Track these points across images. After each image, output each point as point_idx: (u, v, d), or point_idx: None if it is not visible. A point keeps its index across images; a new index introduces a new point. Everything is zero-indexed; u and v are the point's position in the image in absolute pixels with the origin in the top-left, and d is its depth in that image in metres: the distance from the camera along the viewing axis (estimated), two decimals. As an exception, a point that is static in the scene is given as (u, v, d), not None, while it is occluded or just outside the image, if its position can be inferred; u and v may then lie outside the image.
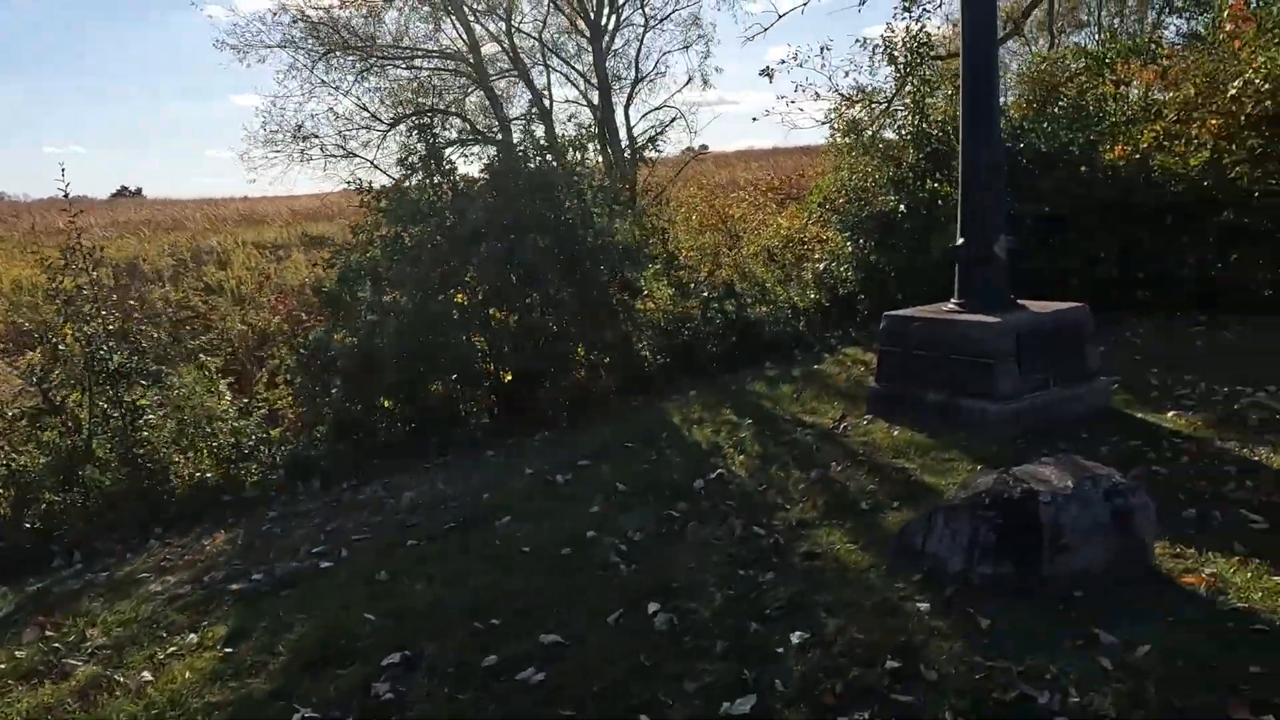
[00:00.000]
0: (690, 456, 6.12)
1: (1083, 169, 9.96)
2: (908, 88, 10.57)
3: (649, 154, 11.64)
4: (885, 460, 5.78)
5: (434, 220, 8.06)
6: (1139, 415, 6.44)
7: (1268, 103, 9.11)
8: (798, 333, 10.21)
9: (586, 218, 7.75)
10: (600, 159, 9.38)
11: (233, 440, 6.89)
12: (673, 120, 14.94)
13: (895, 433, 6.36)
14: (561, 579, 4.22)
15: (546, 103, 15.16)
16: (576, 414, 8.37)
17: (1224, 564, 4.10)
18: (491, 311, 8.28)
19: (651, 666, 3.39)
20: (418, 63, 14.50)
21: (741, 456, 6.08)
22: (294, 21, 13.46)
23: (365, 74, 13.81)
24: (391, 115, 11.09)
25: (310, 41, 13.41)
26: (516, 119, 15.52)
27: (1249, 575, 3.98)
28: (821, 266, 11.14)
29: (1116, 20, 24.49)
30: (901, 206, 10.43)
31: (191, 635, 4.13)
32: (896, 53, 10.70)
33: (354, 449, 7.13)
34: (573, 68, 14.98)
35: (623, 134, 13.74)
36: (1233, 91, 9.46)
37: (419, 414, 7.74)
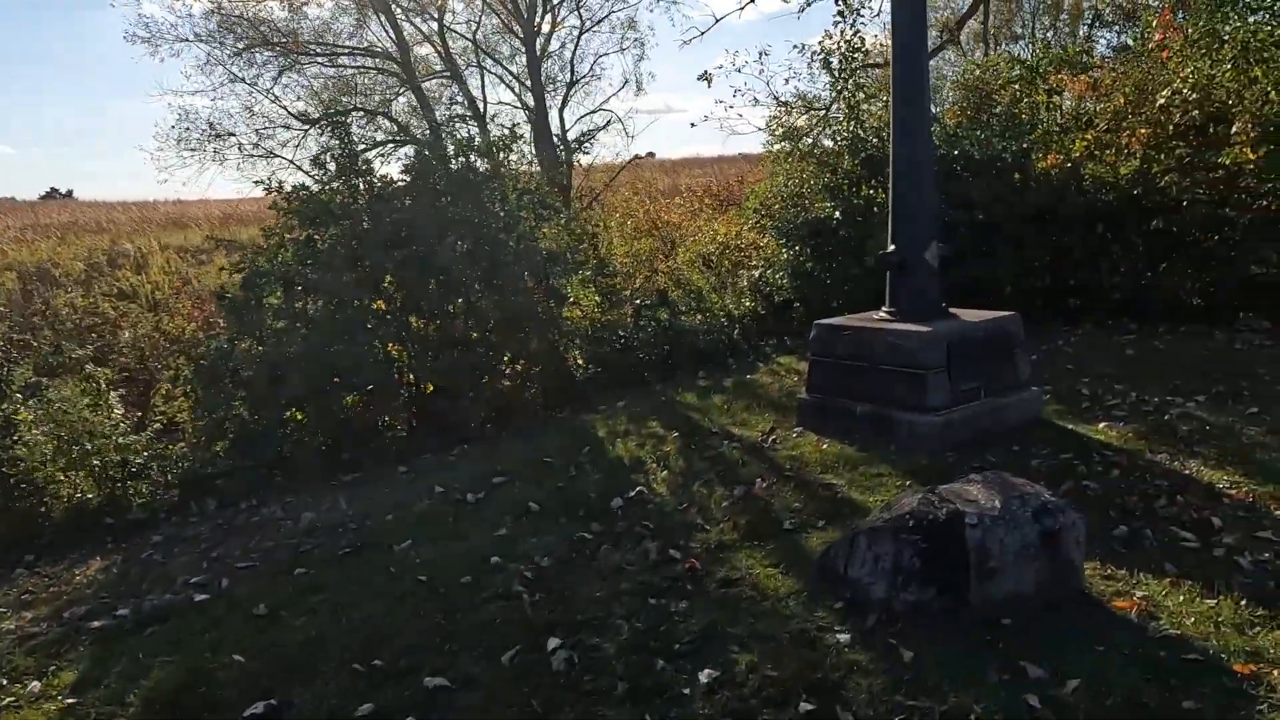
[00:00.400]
0: (611, 473, 5.81)
1: (1016, 176, 9.91)
2: (843, 93, 10.44)
3: (582, 158, 11.33)
4: (812, 476, 5.53)
5: (348, 222, 7.64)
6: (1070, 426, 6.31)
7: (1195, 112, 9.14)
8: (732, 341, 9.98)
9: (509, 221, 7.40)
10: (530, 163, 9.00)
11: (119, 458, 6.38)
12: (607, 124, 14.72)
13: (824, 446, 6.13)
14: (458, 611, 3.87)
15: (481, 106, 14.80)
16: (500, 426, 8.02)
17: (1156, 586, 3.91)
18: (412, 319, 7.88)
19: (544, 714, 3.06)
20: (343, 61, 14.02)
21: (664, 472, 5.79)
22: (209, 14, 12.85)
23: (286, 71, 13.28)
24: (313, 114, 10.56)
25: (227, 36, 12.87)
26: (454, 120, 15.10)
27: (1181, 599, 3.80)
28: (757, 274, 10.94)
29: (1050, 34, 24.91)
30: (837, 213, 10.28)
31: (35, 683, 3.69)
32: (832, 59, 10.56)
33: (256, 466, 6.68)
34: (507, 70, 14.69)
35: (557, 138, 13.45)
36: (1161, 101, 9.48)
37: (330, 428, 7.31)
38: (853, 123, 10.52)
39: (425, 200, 7.55)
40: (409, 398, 7.91)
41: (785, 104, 12.01)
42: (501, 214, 7.57)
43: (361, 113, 13.98)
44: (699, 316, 10.49)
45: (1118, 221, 9.66)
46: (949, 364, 6.04)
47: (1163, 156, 9.47)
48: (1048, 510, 3.87)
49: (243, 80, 13.54)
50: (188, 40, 13.54)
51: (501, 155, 8.00)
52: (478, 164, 7.77)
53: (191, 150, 13.54)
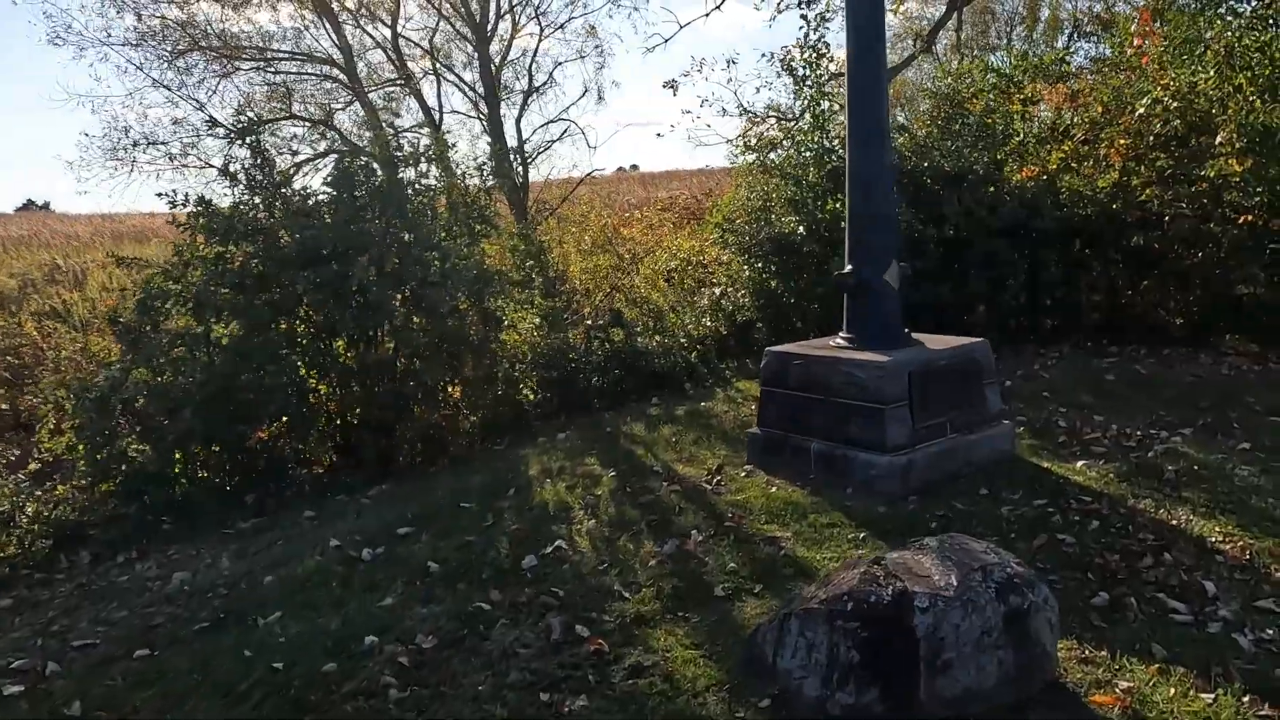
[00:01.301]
0: (531, 522, 5.16)
1: (989, 189, 9.36)
2: (807, 100, 9.87)
3: (543, 169, 10.70)
4: (755, 527, 4.90)
5: (261, 239, 6.98)
6: (1046, 465, 5.72)
7: (1176, 122, 8.63)
8: (690, 365, 9.35)
9: (435, 237, 6.75)
10: (484, 174, 8.34)
11: (-21, 504, 5.68)
12: (563, 133, 14.08)
13: (773, 489, 5.50)
14: (306, 714, 3.21)
15: (437, 115, 14.16)
16: (431, 460, 7.36)
17: (1141, 674, 3.30)
18: (337, 344, 7.21)
19: None
20: (284, 67, 13.28)
21: (591, 522, 5.14)
22: (141, 16, 12.16)
23: (222, 78, 12.57)
24: (242, 122, 9.85)
25: (160, 41, 12.13)
26: (407, 130, 14.45)
27: (1171, 692, 3.18)
28: (718, 292, 10.33)
29: (1026, 45, 24.56)
30: (800, 228, 9.69)
31: None
32: (796, 66, 10.00)
33: (143, 511, 5.98)
34: (461, 78, 14.07)
35: (513, 149, 12.78)
36: (1140, 110, 8.97)
37: (237, 466, 6.63)
38: (818, 133, 9.95)
39: (345, 215, 6.89)
40: (330, 431, 7.23)
41: (749, 113, 11.44)
42: (424, 229, 6.91)
43: (307, 123, 13.29)
44: (657, 338, 9.86)
45: (1096, 237, 9.14)
46: (911, 397, 5.44)
47: (1143, 169, 8.96)
48: (1014, 586, 3.25)
49: (165, 87, 12.84)
50: (113, 45, 12.78)
51: (427, 166, 7.37)
52: (404, 175, 7.12)
53: (118, 158, 12.74)
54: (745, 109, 11.29)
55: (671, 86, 13.73)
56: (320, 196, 7.22)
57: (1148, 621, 3.68)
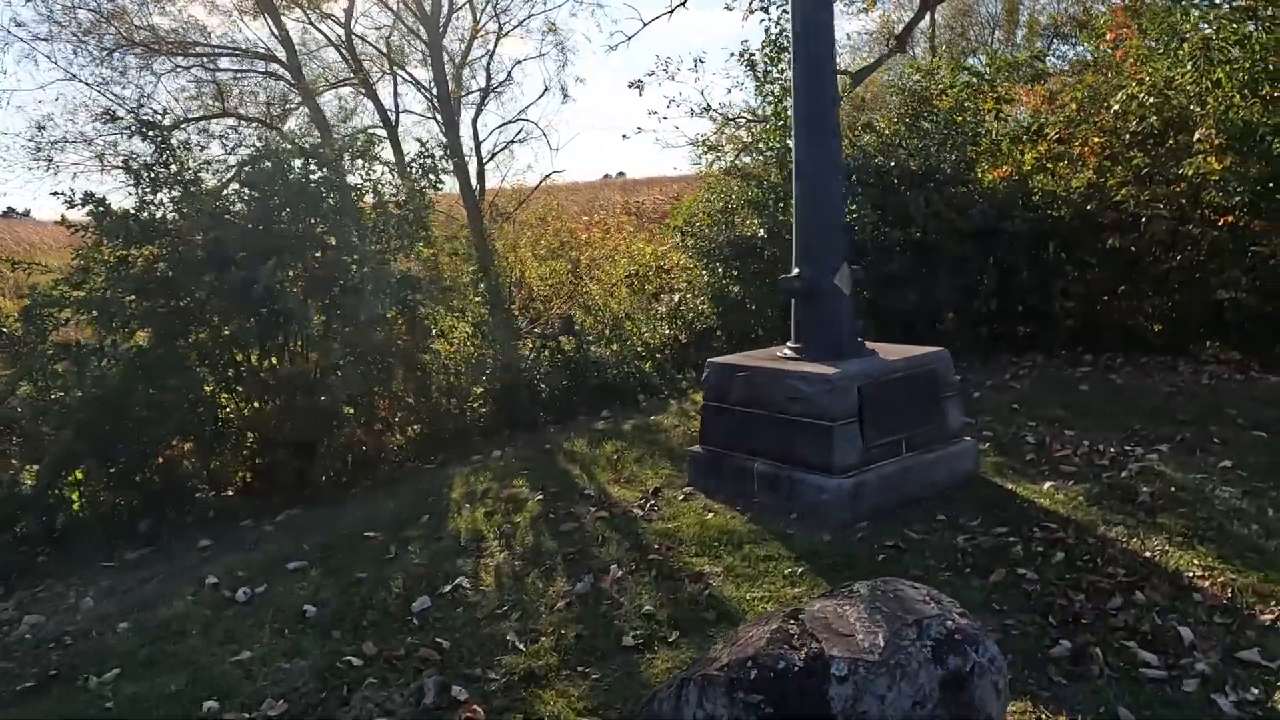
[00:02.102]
0: (436, 555, 4.63)
1: (961, 190, 8.90)
2: (769, 97, 9.39)
3: (503, 170, 10.18)
4: (683, 560, 4.38)
5: (167, 241, 6.43)
6: (1010, 486, 5.22)
7: (1153, 118, 8.18)
8: (644, 375, 8.84)
9: (354, 240, 6.20)
10: (433, 177, 7.78)
11: None
12: (517, 133, 13.52)
13: (710, 516, 4.98)
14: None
15: (393, 116, 13.60)
16: (355, 480, 6.80)
17: (1106, 747, 2.79)
18: (251, 357, 6.66)
19: None
20: (225, 64, 12.71)
21: (503, 554, 4.61)
22: (69, 10, 11.54)
23: (144, 69, 11.92)
24: (148, 116, 9.12)
25: (90, 38, 11.50)
26: (362, 131, 13.86)
27: (1141, 771, 2.68)
28: (676, 298, 9.83)
29: (1005, 48, 24.24)
30: (762, 231, 9.21)
31: None
32: (757, 60, 9.52)
33: (16, 541, 5.42)
34: (417, 79, 13.50)
35: (469, 150, 12.27)
36: (1116, 107, 8.52)
37: (134, 489, 6.06)
38: (781, 132, 9.47)
39: (256, 215, 6.35)
40: (245, 450, 6.68)
41: (716, 113, 10.95)
42: (350, 231, 6.37)
43: (248, 122, 12.67)
44: (614, 346, 9.35)
45: (1070, 240, 8.69)
46: (861, 413, 4.93)
47: (1119, 168, 8.50)
48: (954, 643, 2.74)
49: (82, 81, 12.19)
50: (36, 40, 12.12)
51: (356, 162, 6.83)
52: (317, 174, 6.56)
53: (37, 159, 12.04)
54: (711, 109, 10.76)
55: (637, 87, 13.23)
56: (230, 195, 6.66)
57: (1115, 677, 3.17)
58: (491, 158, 12.27)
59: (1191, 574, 3.93)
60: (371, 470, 6.92)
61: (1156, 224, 7.87)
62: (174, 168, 6.48)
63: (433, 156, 7.29)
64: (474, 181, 11.79)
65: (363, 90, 13.55)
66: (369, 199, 7.19)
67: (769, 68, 9.45)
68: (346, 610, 3.95)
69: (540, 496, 5.55)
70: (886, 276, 8.98)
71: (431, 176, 7.23)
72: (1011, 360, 8.59)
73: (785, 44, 9.47)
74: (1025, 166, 9.13)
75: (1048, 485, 5.15)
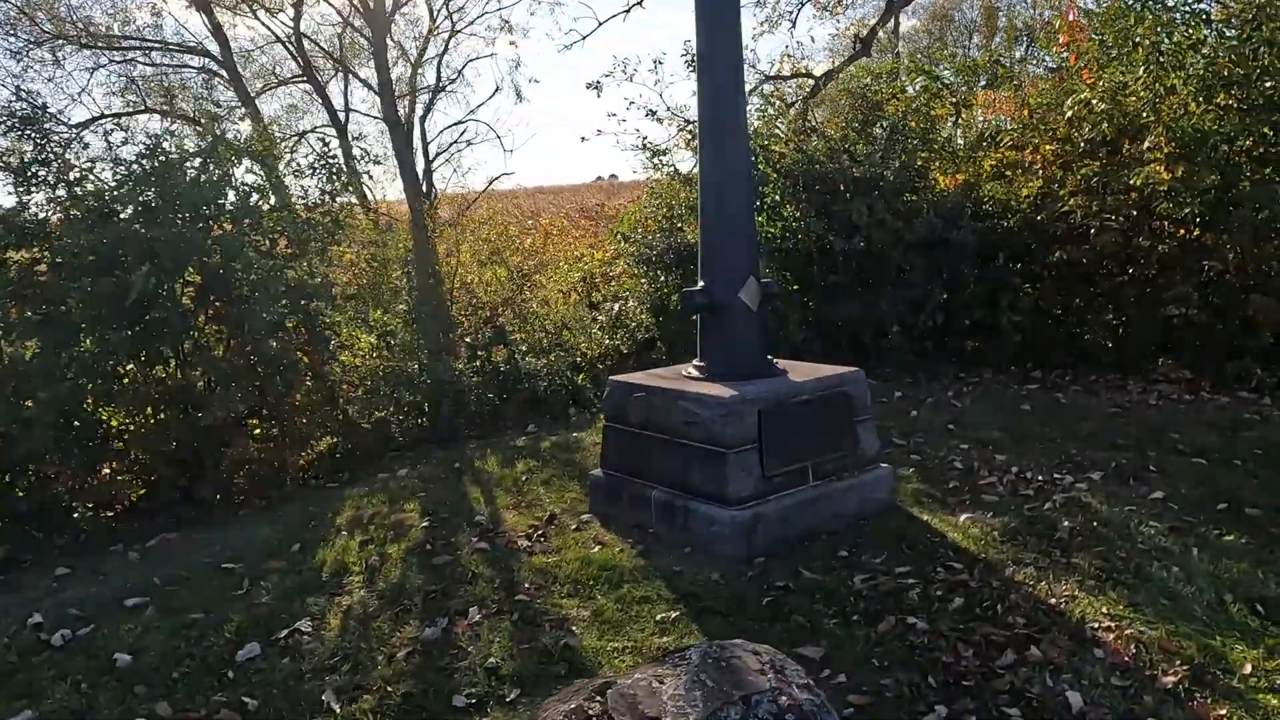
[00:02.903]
0: (288, 593, 4.25)
1: (912, 197, 8.55)
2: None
3: (456, 174, 9.77)
4: (552, 602, 4.01)
5: (45, 244, 6.03)
6: (926, 518, 4.87)
7: (1105, 125, 7.85)
8: (577, 388, 8.47)
9: (237, 243, 5.79)
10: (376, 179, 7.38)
11: None
12: (461, 133, 13.14)
13: (597, 549, 4.61)
14: None
15: (343, 116, 13.19)
16: (249, 501, 6.40)
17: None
18: (135, 369, 6.25)
19: None
20: (157, 59, 12.23)
21: (362, 592, 4.23)
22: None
23: (60, 65, 11.45)
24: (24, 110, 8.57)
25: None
26: (312, 131, 13.46)
27: None
28: (616, 307, 9.45)
29: (983, 53, 23.96)
30: (646, 248, 8.85)
31: None
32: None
33: None
34: (361, 77, 13.08)
35: (419, 149, 11.84)
36: (1069, 113, 8.20)
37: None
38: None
39: (138, 216, 5.95)
40: (133, 468, 6.27)
41: (653, 113, 10.53)
42: (237, 236, 5.96)
43: (178, 121, 12.21)
44: (549, 357, 8.97)
45: (1020, 252, 8.35)
46: (761, 439, 4.57)
47: (1070, 177, 8.18)
48: (784, 724, 2.38)
49: None
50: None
51: (252, 162, 6.42)
52: (213, 172, 6.16)
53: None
54: (656, 112, 10.37)
55: (595, 88, 12.86)
56: (122, 194, 6.26)
57: (992, 755, 2.81)
58: (437, 157, 11.90)
59: (1097, 624, 3.57)
60: (274, 488, 6.53)
61: (1106, 236, 7.54)
62: (56, 165, 6.07)
63: (337, 158, 6.90)
64: (421, 183, 11.42)
65: (313, 89, 13.13)
66: (274, 201, 6.80)
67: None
68: (164, 659, 3.57)
69: (426, 523, 5.18)
70: (830, 287, 8.64)
71: (338, 181, 6.83)
72: (959, 376, 8.26)
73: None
74: (981, 174, 8.81)
75: (964, 517, 4.80)
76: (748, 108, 9.04)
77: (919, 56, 17.67)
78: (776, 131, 9.27)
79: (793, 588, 4.05)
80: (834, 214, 8.54)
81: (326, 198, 6.91)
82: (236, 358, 6.03)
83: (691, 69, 8.92)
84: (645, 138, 9.74)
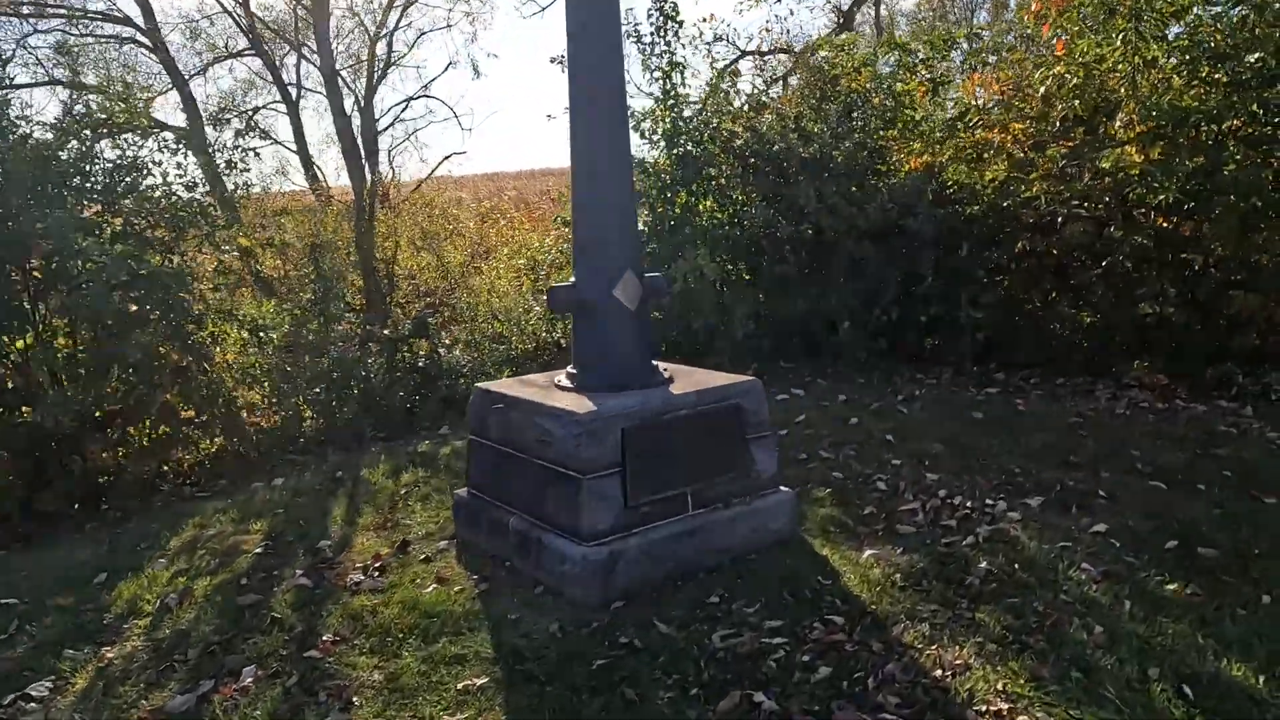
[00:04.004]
0: (47, 643, 3.64)
1: (871, 180, 7.82)
2: (655, 71, 8.30)
3: (411, 152, 9.12)
4: (349, 659, 3.37)
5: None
6: (825, 552, 4.20)
7: (1076, 102, 7.09)
8: (501, 384, 7.80)
9: (69, 228, 5.12)
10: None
11: None
12: (405, 111, 12.50)
13: (433, 588, 3.98)
14: None
15: (295, 93, 12.51)
16: (107, 515, 5.79)
17: None
18: None
19: None
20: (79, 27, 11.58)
21: (136, 641, 3.61)
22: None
23: None
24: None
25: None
26: (265, 107, 12.81)
27: None
28: (552, 298, 8.75)
29: (990, 30, 22.97)
30: (641, 224, 8.15)
31: None
32: (643, 30, 8.42)
33: None
34: (305, 55, 12.37)
35: (358, 130, 11.11)
36: (1042, 89, 7.43)
37: None
38: (670, 112, 8.40)
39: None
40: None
41: (643, 92, 9.76)
42: (68, 218, 5.29)
43: (92, 92, 11.51)
44: (482, 350, 8.32)
45: (986, 241, 7.60)
46: (624, 462, 3.89)
47: (1042, 160, 7.42)
48: None
49: None
50: None
51: (89, 135, 5.75)
52: (63, 145, 5.52)
53: None
54: (638, 88, 9.58)
55: (559, 63, 12.05)
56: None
57: None
58: (383, 134, 11.23)
59: (985, 707, 2.90)
60: (139, 498, 5.93)
61: (1075, 226, 6.79)
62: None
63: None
64: (364, 164, 10.76)
65: (261, 61, 12.46)
66: (151, 183, 6.15)
67: (655, 39, 8.35)
68: None
69: (262, 549, 4.56)
70: (780, 279, 7.94)
71: (237, 164, 6.20)
72: (915, 376, 7.54)
73: (673, 10, 8.38)
74: (943, 156, 8.05)
75: (869, 554, 4.12)
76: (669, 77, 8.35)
77: (900, 32, 16.77)
78: (728, 108, 8.54)
79: (639, 646, 3.39)
80: (784, 198, 7.84)
81: (195, 181, 6.25)
82: (85, 353, 5.40)
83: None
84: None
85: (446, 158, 11.86)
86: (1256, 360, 6.37)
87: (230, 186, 6.45)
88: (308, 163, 11.82)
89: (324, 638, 3.51)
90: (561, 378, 4.41)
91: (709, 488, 4.16)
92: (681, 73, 8.30)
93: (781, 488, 4.45)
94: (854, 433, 6.10)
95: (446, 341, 8.13)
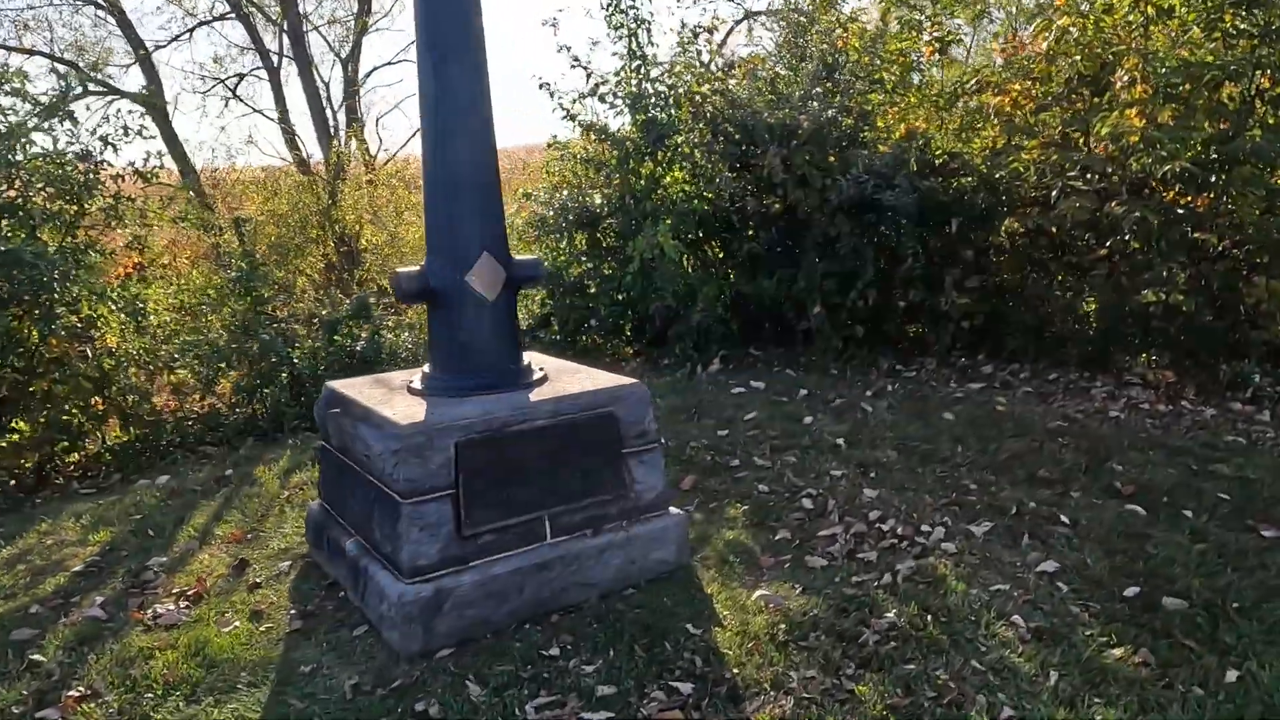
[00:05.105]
0: None
1: (851, 149, 7.03)
2: (621, 27, 7.54)
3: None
4: (84, 723, 2.80)
5: None
6: (711, 590, 3.55)
7: (1079, 59, 6.21)
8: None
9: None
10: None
11: None
12: (369, 79, 11.79)
13: (234, 626, 3.41)
14: None
15: (276, 60, 11.95)
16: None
17: None
18: None
19: None
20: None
21: None
22: None
23: None
24: None
25: None
26: (249, 73, 12.25)
27: None
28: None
29: None
30: (598, 196, 7.48)
31: None
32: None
33: None
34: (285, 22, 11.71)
35: (325, 97, 10.49)
36: (1046, 44, 6.55)
37: None
38: (636, 71, 7.66)
39: None
40: None
41: (576, 60, 8.97)
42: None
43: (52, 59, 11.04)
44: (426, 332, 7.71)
45: (976, 218, 6.77)
46: (460, 483, 3.26)
47: (1043, 126, 6.56)
48: None
49: None
50: None
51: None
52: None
53: None
54: (579, 59, 8.80)
55: (551, 25, 11.36)
56: None
57: None
58: (346, 102, 10.59)
59: (826, 830, 2.22)
60: (22, 494, 5.47)
61: (1072, 201, 5.94)
62: None
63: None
64: (333, 131, 10.19)
65: (241, 25, 11.93)
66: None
67: (624, -9, 7.59)
68: None
69: (81, 568, 4.02)
70: (747, 258, 7.21)
71: (104, 140, 5.66)
72: (894, 368, 6.78)
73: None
74: (951, 125, 7.21)
75: (759, 595, 3.45)
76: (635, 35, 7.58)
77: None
78: (699, 68, 7.77)
79: (432, 717, 2.77)
80: (752, 169, 7.09)
81: (79, 147, 5.70)
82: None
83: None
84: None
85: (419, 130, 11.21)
86: (1278, 358, 5.50)
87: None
88: (290, 133, 11.29)
89: (71, 693, 2.95)
90: (416, 379, 3.78)
91: (574, 512, 3.51)
92: (648, 30, 7.54)
93: (672, 509, 3.79)
94: (802, 435, 5.39)
95: (390, 324, 7.54)
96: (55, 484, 5.84)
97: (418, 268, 3.66)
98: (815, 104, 6.65)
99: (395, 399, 3.58)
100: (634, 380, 3.74)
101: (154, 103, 6.33)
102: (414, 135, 11.56)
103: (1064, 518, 4.03)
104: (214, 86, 12.83)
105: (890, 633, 3.12)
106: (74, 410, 5.60)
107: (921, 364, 6.81)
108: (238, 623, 3.40)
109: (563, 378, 3.82)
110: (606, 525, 3.58)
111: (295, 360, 6.78)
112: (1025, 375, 6.40)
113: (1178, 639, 3.02)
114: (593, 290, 7.61)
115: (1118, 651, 2.97)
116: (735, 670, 2.94)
